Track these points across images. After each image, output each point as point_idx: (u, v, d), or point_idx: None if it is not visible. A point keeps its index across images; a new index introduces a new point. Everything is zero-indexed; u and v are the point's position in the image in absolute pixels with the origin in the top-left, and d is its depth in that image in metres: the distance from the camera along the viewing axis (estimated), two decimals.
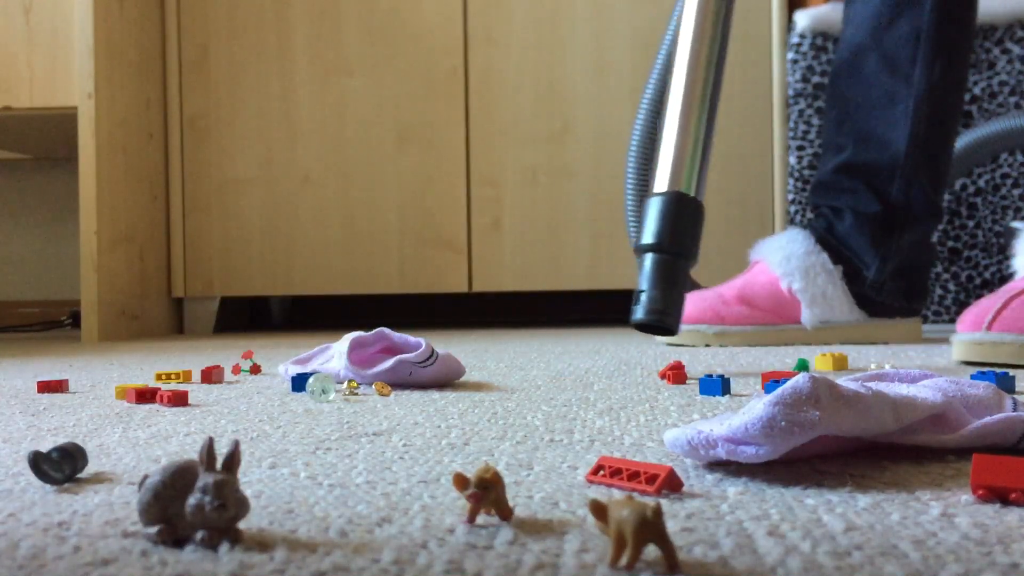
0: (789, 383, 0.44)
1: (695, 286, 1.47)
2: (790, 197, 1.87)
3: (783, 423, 0.42)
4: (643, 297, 0.80)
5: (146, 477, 0.35)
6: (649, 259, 0.82)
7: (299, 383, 0.81)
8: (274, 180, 2.01)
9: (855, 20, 1.35)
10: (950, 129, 1.34)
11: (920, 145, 1.31)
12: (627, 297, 2.08)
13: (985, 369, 0.89)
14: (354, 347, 0.85)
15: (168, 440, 0.58)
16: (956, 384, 0.52)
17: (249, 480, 0.45)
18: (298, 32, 2.00)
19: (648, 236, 0.83)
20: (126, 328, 1.84)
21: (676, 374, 0.83)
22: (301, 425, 0.63)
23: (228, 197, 2.01)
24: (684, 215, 0.83)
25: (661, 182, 0.86)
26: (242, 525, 0.36)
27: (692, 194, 0.86)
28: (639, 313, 0.80)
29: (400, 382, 0.83)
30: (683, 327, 1.36)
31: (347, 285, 2.00)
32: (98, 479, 0.46)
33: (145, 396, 0.75)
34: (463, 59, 1.97)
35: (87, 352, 1.42)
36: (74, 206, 1.99)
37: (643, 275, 0.82)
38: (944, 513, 0.37)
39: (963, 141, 1.68)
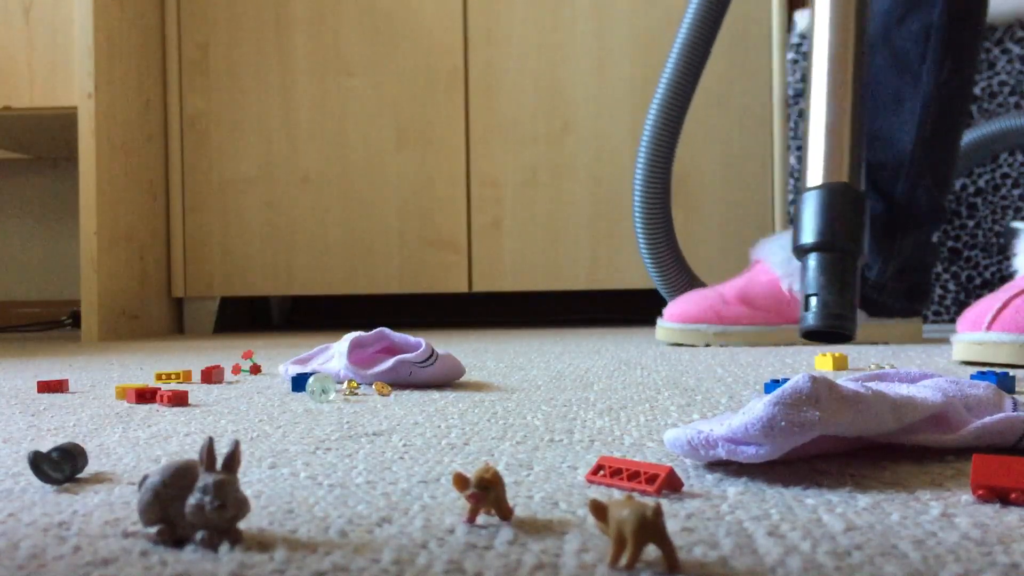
0: (789, 383, 0.44)
1: (699, 284, 1.47)
2: (790, 197, 1.87)
3: (783, 423, 0.42)
4: (814, 302, 0.72)
5: (146, 477, 0.35)
6: (815, 259, 0.73)
7: (299, 383, 0.81)
8: (274, 180, 2.01)
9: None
10: (956, 130, 1.34)
11: (926, 145, 1.31)
12: (627, 297, 2.08)
13: (985, 369, 0.89)
14: (354, 347, 0.85)
15: (168, 440, 0.58)
16: (956, 384, 0.52)
17: (249, 480, 0.45)
18: (298, 32, 2.00)
19: (811, 234, 0.74)
20: (126, 328, 1.84)
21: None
22: (301, 425, 0.63)
23: (228, 197, 2.01)
24: (848, 208, 0.74)
25: (815, 175, 0.77)
26: (242, 525, 0.36)
27: (852, 185, 0.77)
28: (812, 320, 0.71)
29: (400, 382, 0.83)
30: (683, 327, 1.36)
31: (347, 285, 2.00)
32: (98, 479, 0.46)
33: (145, 396, 0.75)
34: (463, 59, 1.97)
35: (87, 352, 1.42)
36: (74, 206, 1.99)
37: (810, 278, 0.73)
38: (944, 513, 0.37)
39: (963, 141, 1.68)
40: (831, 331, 0.71)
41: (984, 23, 1.34)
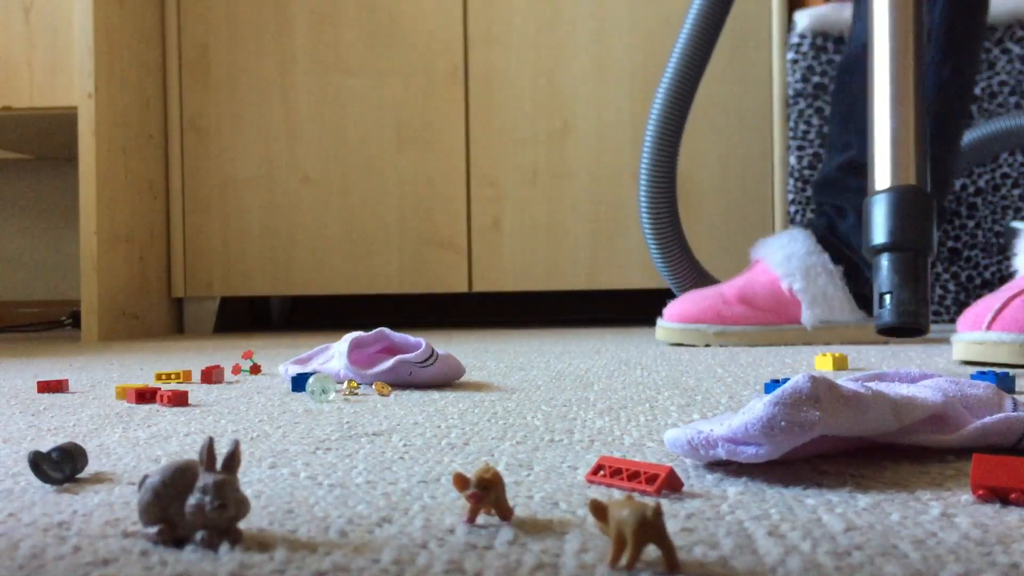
0: (789, 383, 0.44)
1: (710, 280, 1.47)
2: (790, 197, 1.86)
3: (783, 423, 0.42)
4: (889, 299, 0.76)
5: (146, 477, 0.35)
6: (888, 259, 0.77)
7: (299, 383, 0.81)
8: (274, 180, 2.01)
9: (866, 16, 1.35)
10: (957, 130, 1.34)
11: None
12: (627, 297, 2.08)
13: (985, 369, 0.89)
14: (354, 347, 0.85)
15: (168, 440, 0.58)
16: (956, 384, 0.52)
17: (249, 480, 0.45)
18: (298, 32, 2.00)
19: (882, 235, 0.78)
20: (126, 328, 1.84)
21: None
22: (301, 425, 0.63)
23: (228, 197, 2.01)
24: (918, 208, 0.78)
25: (883, 178, 0.81)
26: (242, 525, 0.36)
27: (919, 187, 0.81)
28: (888, 317, 0.75)
29: (400, 382, 0.83)
30: (683, 327, 1.36)
31: (347, 285, 1.99)
32: (98, 479, 0.46)
33: (145, 396, 0.75)
34: (463, 59, 1.97)
35: (87, 352, 1.42)
36: (74, 206, 1.99)
37: (883, 276, 0.77)
38: (944, 513, 0.37)
39: (963, 141, 1.68)
40: (907, 327, 0.75)
41: (985, 23, 1.34)
